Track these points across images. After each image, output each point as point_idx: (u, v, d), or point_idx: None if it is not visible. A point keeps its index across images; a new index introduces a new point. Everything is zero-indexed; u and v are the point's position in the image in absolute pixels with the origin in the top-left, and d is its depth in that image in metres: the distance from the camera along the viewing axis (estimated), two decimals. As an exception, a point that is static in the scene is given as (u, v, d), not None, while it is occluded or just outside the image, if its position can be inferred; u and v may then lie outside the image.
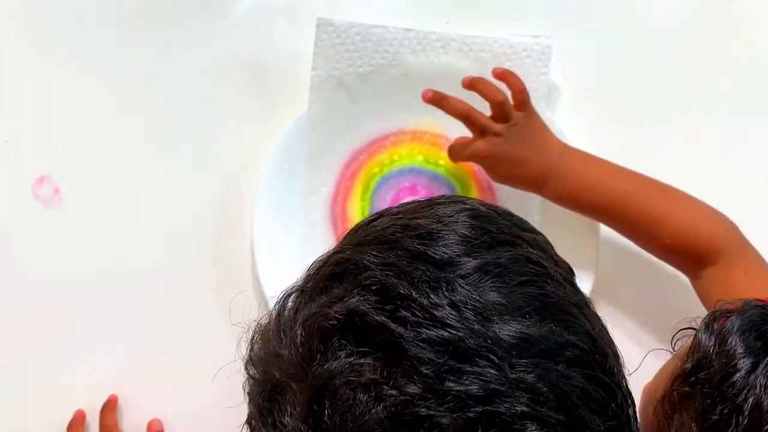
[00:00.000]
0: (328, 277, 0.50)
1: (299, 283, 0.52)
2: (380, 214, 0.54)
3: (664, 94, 0.90)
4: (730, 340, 0.57)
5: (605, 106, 0.88)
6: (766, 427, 0.54)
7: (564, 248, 0.82)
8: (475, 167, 0.86)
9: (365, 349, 0.45)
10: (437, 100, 0.80)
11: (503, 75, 0.81)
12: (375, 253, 0.49)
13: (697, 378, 0.57)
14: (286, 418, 0.47)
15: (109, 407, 0.82)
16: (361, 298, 0.47)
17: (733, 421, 0.54)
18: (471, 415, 0.43)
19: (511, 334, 0.45)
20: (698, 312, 0.65)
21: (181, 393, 0.84)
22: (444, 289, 0.46)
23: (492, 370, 0.44)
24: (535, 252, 0.51)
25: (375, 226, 0.52)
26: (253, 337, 0.53)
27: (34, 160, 0.86)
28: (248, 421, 0.51)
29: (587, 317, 0.50)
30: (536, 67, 0.85)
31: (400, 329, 0.45)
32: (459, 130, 0.86)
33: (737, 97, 0.90)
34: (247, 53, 0.88)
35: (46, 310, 0.84)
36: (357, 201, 0.86)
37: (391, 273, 0.47)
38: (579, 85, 0.89)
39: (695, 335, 0.60)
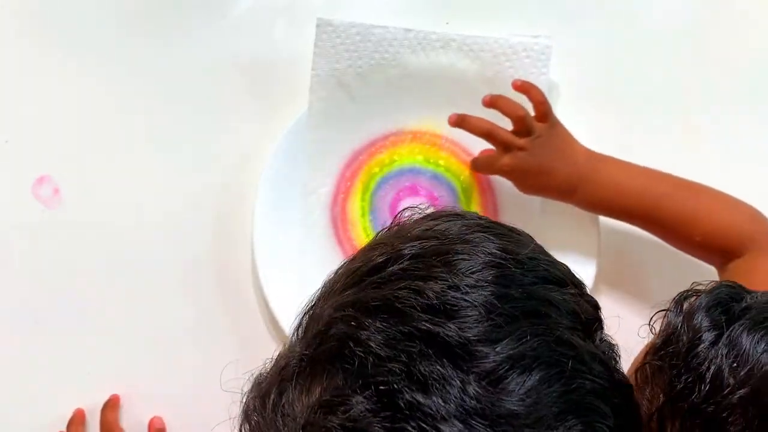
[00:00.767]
0: (328, 354, 0.46)
1: (298, 341, 0.49)
2: (390, 256, 0.48)
3: (664, 94, 0.90)
4: (696, 315, 0.59)
5: (605, 106, 0.88)
6: (724, 393, 0.56)
7: (565, 237, 0.84)
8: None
9: None
10: (459, 122, 0.80)
11: (523, 87, 0.80)
12: (381, 325, 0.44)
13: (666, 351, 0.60)
14: None
15: (110, 405, 0.82)
16: (365, 407, 0.42)
17: (696, 388, 0.57)
18: None
19: None
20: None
21: (181, 392, 0.84)
22: (456, 392, 0.41)
23: None
24: (564, 323, 0.46)
25: (383, 276, 0.47)
26: (248, 409, 0.50)
27: (34, 160, 0.86)
28: None
29: (619, 401, 0.46)
30: (536, 67, 0.85)
31: None
32: (459, 131, 0.86)
33: (737, 97, 0.90)
34: (247, 53, 0.88)
35: (47, 310, 0.84)
36: (357, 201, 0.86)
37: (397, 367, 0.42)
38: (579, 85, 0.89)
39: (666, 313, 0.62)
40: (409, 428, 0.41)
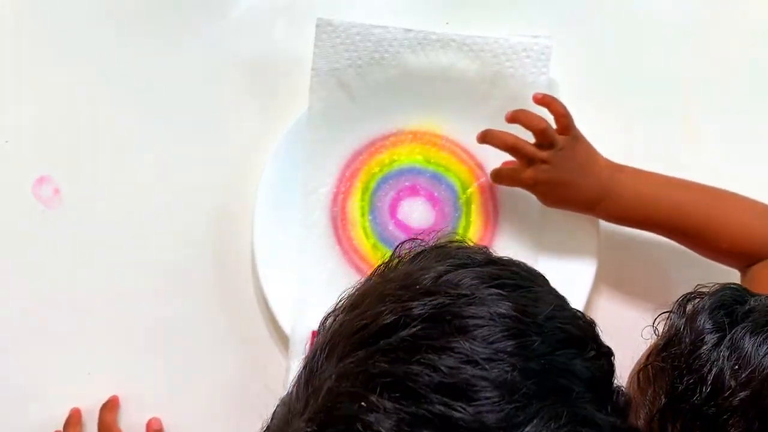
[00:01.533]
0: None
1: (297, 400, 0.46)
2: (400, 316, 0.44)
3: (664, 94, 0.90)
4: (699, 317, 0.60)
5: (605, 105, 0.88)
6: (725, 395, 0.56)
7: (565, 237, 0.84)
8: (477, 169, 0.86)
9: None
10: (484, 137, 0.81)
11: (543, 100, 0.80)
12: (392, 406, 0.40)
13: (669, 353, 0.60)
14: None
15: (109, 406, 0.82)
16: None
17: (698, 390, 0.57)
18: None
19: None
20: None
21: (180, 393, 0.84)
22: None
23: None
24: (587, 396, 0.43)
25: (393, 343, 0.43)
26: None
27: (34, 160, 0.86)
28: None
29: None
30: (536, 67, 0.85)
31: None
32: (459, 131, 0.86)
33: (737, 96, 0.90)
34: (247, 53, 0.88)
35: (47, 310, 0.84)
36: (357, 201, 0.86)
37: None
38: (579, 85, 0.89)
39: (669, 314, 0.63)
40: None
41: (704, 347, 0.58)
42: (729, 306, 0.60)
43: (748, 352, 0.57)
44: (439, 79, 0.85)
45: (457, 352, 0.41)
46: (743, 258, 0.78)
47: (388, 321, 0.44)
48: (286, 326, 0.82)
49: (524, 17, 0.89)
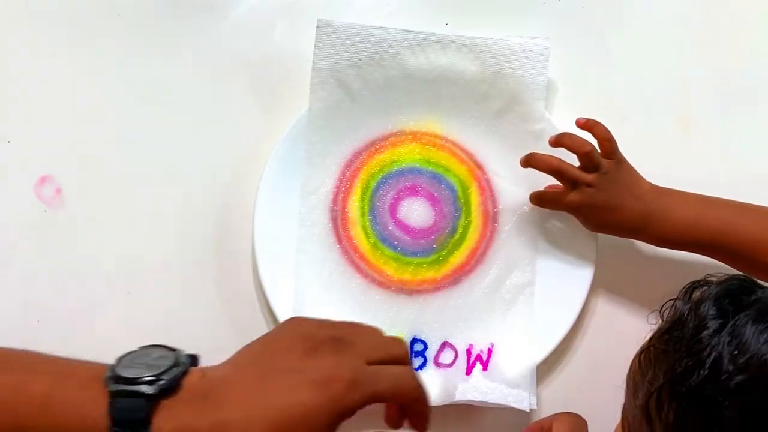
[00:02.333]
0: None
1: None
2: None
3: (663, 94, 0.90)
4: (704, 304, 0.61)
5: (604, 106, 0.88)
6: (722, 378, 0.57)
7: (564, 239, 0.84)
8: (477, 169, 0.87)
9: None
10: (527, 161, 0.81)
11: (587, 125, 0.80)
12: None
13: (671, 336, 0.62)
14: None
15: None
16: None
17: (696, 372, 0.58)
18: None
19: None
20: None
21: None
22: None
23: None
24: None
25: None
26: None
27: (36, 160, 0.86)
28: None
29: None
30: (535, 67, 0.85)
31: None
32: (459, 131, 0.86)
33: (736, 97, 0.90)
34: (247, 54, 0.89)
35: (48, 309, 0.85)
36: (357, 201, 0.86)
37: None
38: (578, 85, 0.89)
39: (674, 301, 0.64)
40: None
41: (706, 332, 0.59)
42: (735, 295, 0.61)
43: (749, 339, 0.58)
44: (438, 79, 0.86)
45: None
46: None
47: None
48: (286, 326, 0.83)
49: (524, 18, 0.90)
